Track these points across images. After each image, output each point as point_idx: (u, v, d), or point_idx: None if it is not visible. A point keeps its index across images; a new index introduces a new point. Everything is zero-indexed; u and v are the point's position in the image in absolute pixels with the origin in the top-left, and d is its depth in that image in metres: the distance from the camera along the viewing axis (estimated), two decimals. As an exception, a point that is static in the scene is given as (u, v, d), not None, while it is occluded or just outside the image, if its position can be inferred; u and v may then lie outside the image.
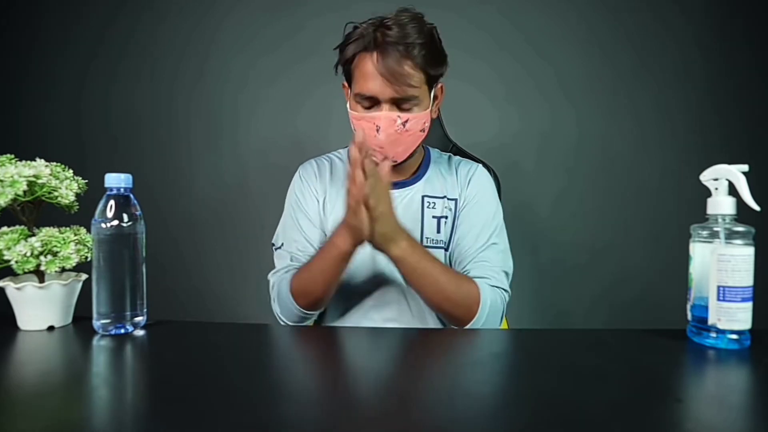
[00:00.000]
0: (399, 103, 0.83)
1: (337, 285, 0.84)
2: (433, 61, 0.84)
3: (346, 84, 0.92)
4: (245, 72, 1.74)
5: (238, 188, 1.77)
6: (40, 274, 0.67)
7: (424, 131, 0.88)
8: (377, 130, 0.84)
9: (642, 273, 1.67)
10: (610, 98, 1.66)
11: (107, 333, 0.64)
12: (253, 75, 1.74)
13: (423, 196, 0.93)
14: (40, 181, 0.66)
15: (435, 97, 0.90)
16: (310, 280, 0.83)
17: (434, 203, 0.92)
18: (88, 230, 0.68)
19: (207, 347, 0.62)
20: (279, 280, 0.88)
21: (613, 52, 1.65)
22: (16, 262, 0.64)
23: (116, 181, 0.64)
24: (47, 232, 0.67)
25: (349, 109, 0.89)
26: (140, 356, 0.58)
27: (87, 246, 0.69)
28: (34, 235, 0.67)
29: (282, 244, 0.93)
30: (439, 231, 0.91)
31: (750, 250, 0.57)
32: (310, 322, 0.92)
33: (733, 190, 0.60)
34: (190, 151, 1.78)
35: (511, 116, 1.68)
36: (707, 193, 0.61)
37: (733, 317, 0.57)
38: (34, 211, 0.69)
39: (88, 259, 0.68)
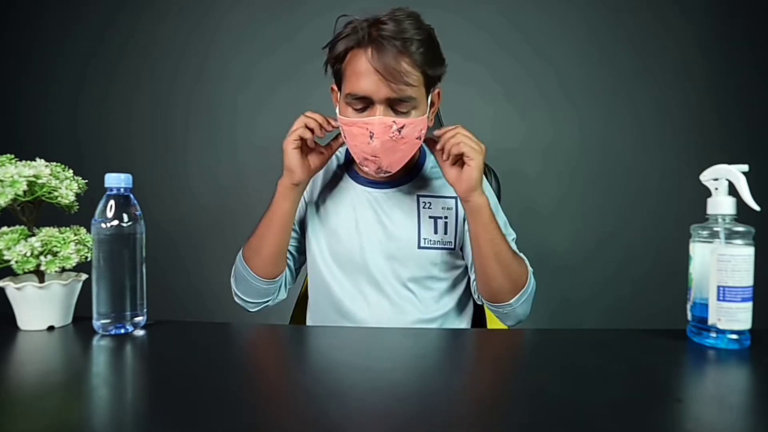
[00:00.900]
0: (394, 105, 0.77)
1: (284, 235, 0.86)
2: (432, 60, 0.79)
3: (335, 87, 0.86)
4: (245, 72, 1.74)
5: (238, 188, 1.77)
6: (40, 274, 0.67)
7: (420, 139, 0.82)
8: (371, 137, 0.77)
9: (642, 273, 1.67)
10: (610, 99, 1.66)
11: (107, 333, 0.64)
12: (252, 75, 1.74)
13: (418, 196, 0.91)
14: (40, 181, 0.66)
15: (432, 103, 0.84)
16: (256, 236, 0.86)
17: (430, 203, 0.90)
18: (88, 230, 0.68)
19: (207, 347, 0.62)
20: (240, 252, 0.90)
21: (613, 53, 1.65)
22: (16, 262, 0.64)
23: (116, 181, 0.64)
24: (47, 232, 0.67)
25: (338, 114, 0.83)
26: (140, 356, 0.58)
27: (87, 246, 0.69)
28: (34, 235, 0.67)
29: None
30: (436, 232, 0.89)
31: (750, 250, 0.57)
32: (271, 304, 0.92)
33: (733, 190, 0.60)
34: (190, 152, 1.78)
35: (511, 117, 1.68)
36: (707, 193, 0.61)
37: (733, 317, 0.57)
38: (34, 211, 0.69)
39: (88, 259, 0.68)
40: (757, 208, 0.58)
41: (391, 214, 0.90)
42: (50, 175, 0.67)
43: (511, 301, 0.82)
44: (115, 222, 0.63)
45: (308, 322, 1.01)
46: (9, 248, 0.64)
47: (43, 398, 0.45)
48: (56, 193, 0.68)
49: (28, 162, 0.67)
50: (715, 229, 0.59)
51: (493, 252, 0.80)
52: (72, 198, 0.69)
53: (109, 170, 0.65)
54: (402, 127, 0.77)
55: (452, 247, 0.90)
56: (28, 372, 0.53)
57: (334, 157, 0.98)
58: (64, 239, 0.67)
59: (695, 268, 0.61)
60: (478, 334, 0.83)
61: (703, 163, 0.64)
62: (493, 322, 1.04)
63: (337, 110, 0.85)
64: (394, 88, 0.75)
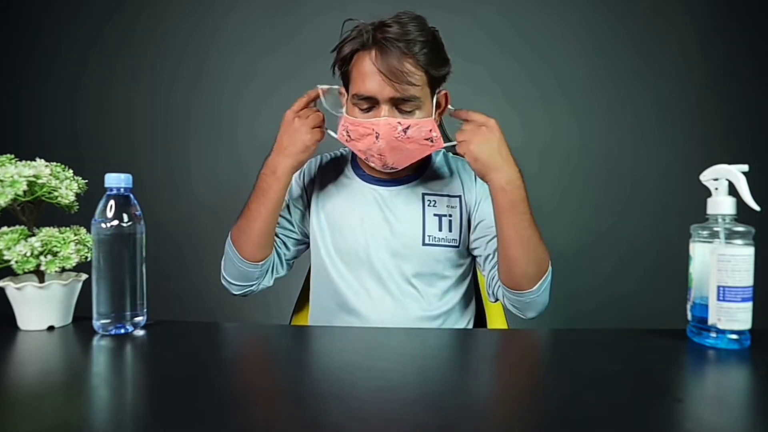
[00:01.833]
0: (399, 105, 0.79)
1: (272, 219, 0.86)
2: (436, 61, 0.80)
3: (343, 90, 0.88)
4: (245, 72, 1.74)
5: (239, 188, 1.76)
6: (40, 274, 0.67)
7: (431, 141, 0.82)
8: (376, 137, 0.80)
9: (642, 273, 1.67)
10: (610, 98, 1.66)
11: (107, 333, 0.64)
12: (253, 75, 1.74)
13: (423, 194, 0.92)
14: (40, 181, 0.66)
15: (438, 104, 0.85)
16: (245, 218, 0.86)
17: (435, 201, 0.92)
18: (88, 230, 0.68)
19: (207, 347, 0.62)
20: (227, 239, 0.91)
21: (613, 52, 1.65)
22: (16, 262, 0.64)
23: (116, 181, 0.64)
24: (47, 232, 0.67)
25: (344, 115, 0.84)
26: (140, 356, 0.58)
27: (87, 246, 0.69)
28: (34, 235, 0.67)
29: None
30: (441, 229, 0.90)
31: (750, 250, 0.57)
32: (256, 289, 0.92)
33: (733, 190, 0.60)
34: (191, 151, 1.78)
35: (511, 117, 1.68)
36: (707, 193, 0.61)
37: (733, 317, 0.57)
38: (34, 211, 0.69)
39: (88, 259, 0.68)
40: (757, 208, 0.58)
41: (396, 211, 0.91)
42: (50, 175, 0.67)
43: (534, 288, 0.80)
44: (115, 222, 0.63)
45: (310, 318, 1.01)
46: (9, 248, 0.64)
47: (43, 398, 0.45)
48: (56, 193, 0.68)
49: (28, 162, 0.67)
50: (715, 229, 0.59)
51: (517, 236, 0.78)
52: (72, 198, 0.69)
53: (109, 170, 0.65)
54: (407, 128, 0.79)
55: (457, 245, 0.91)
56: (28, 372, 0.53)
57: (342, 157, 1.00)
58: (64, 239, 0.67)
59: (695, 268, 0.61)
60: (478, 334, 0.83)
61: (703, 163, 0.64)
62: (493, 322, 1.04)
63: (344, 110, 0.86)
64: (397, 88, 0.77)
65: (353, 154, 0.99)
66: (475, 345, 0.68)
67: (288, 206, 0.96)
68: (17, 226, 0.68)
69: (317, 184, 0.96)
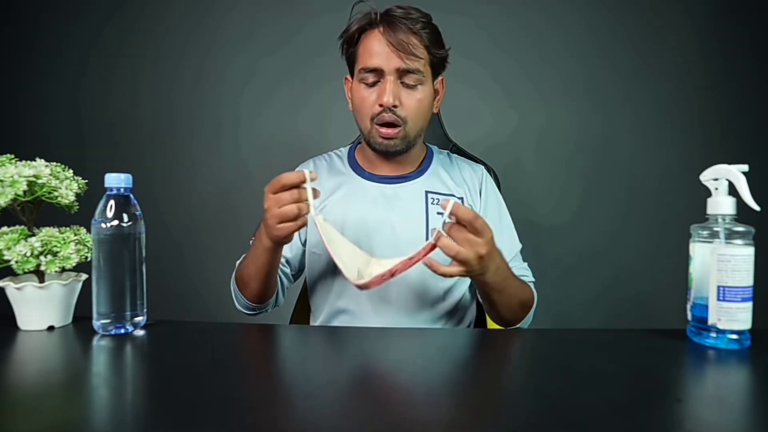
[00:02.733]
0: (403, 77, 0.84)
1: (269, 277, 0.83)
2: (436, 42, 0.86)
3: (349, 77, 0.93)
4: (246, 72, 1.74)
5: (239, 188, 1.77)
6: (40, 274, 0.67)
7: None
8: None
9: (642, 273, 1.67)
10: (610, 98, 1.66)
11: (107, 333, 0.64)
12: (254, 75, 1.74)
13: (426, 192, 0.92)
14: (40, 181, 0.66)
15: (436, 91, 0.90)
16: (245, 270, 0.84)
17: (438, 199, 0.92)
18: (88, 230, 0.68)
19: (207, 347, 0.62)
20: (236, 268, 0.90)
21: (613, 52, 1.65)
22: (16, 262, 0.64)
23: (116, 181, 0.64)
24: (47, 232, 0.67)
25: (352, 91, 0.89)
26: (140, 356, 0.58)
27: (87, 246, 0.69)
28: (34, 235, 0.67)
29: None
30: (444, 227, 0.90)
31: (750, 250, 0.57)
32: (270, 309, 0.93)
33: (733, 190, 0.60)
34: (191, 151, 1.78)
35: (510, 116, 1.68)
36: (707, 193, 0.61)
37: (733, 317, 0.57)
38: (34, 211, 0.69)
39: (88, 259, 0.68)
40: (757, 208, 0.58)
41: (399, 208, 0.91)
42: (50, 175, 0.67)
43: (519, 324, 0.85)
44: (115, 222, 0.63)
45: (311, 319, 1.01)
46: (9, 248, 0.64)
47: (43, 398, 0.45)
48: (56, 193, 0.68)
49: (28, 162, 0.67)
50: (715, 229, 0.59)
51: (506, 303, 0.80)
52: (72, 198, 0.69)
53: (109, 170, 0.65)
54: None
55: None
56: (28, 372, 0.53)
57: (337, 158, 1.00)
58: (64, 239, 0.67)
59: (695, 268, 0.61)
60: (478, 334, 0.83)
61: (704, 163, 0.64)
62: (493, 322, 1.04)
63: (348, 96, 0.92)
64: (404, 59, 0.82)
65: (350, 153, 1.00)
66: (475, 345, 0.67)
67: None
68: (17, 226, 0.68)
69: (323, 189, 0.95)
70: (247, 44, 1.73)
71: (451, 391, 0.48)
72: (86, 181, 0.73)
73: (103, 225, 0.63)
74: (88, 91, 1.78)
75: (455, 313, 0.93)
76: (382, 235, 0.89)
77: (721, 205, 0.60)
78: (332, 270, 0.91)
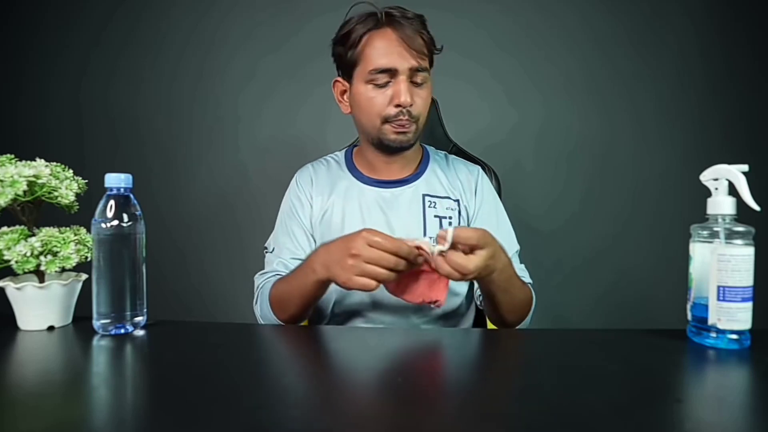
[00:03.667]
0: (413, 77, 0.84)
1: (313, 305, 0.80)
2: (433, 41, 0.87)
3: (341, 79, 0.91)
4: (246, 72, 1.74)
5: (238, 188, 1.77)
6: (40, 274, 0.67)
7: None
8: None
9: (642, 273, 1.67)
10: (610, 98, 1.66)
11: (107, 333, 0.64)
12: (253, 75, 1.74)
13: (424, 195, 0.92)
14: (40, 181, 0.66)
15: None
16: (286, 294, 0.80)
17: (435, 202, 0.92)
18: (88, 230, 0.68)
19: (207, 347, 0.62)
20: (263, 284, 0.87)
21: (613, 52, 1.65)
22: (16, 262, 0.64)
23: (116, 181, 0.64)
24: (47, 232, 0.67)
25: (355, 93, 0.87)
26: (140, 356, 0.58)
27: (87, 246, 0.69)
28: (34, 235, 0.67)
29: (273, 249, 0.93)
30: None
31: (750, 250, 0.57)
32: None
33: (733, 190, 0.60)
34: (191, 151, 1.78)
35: (511, 116, 1.68)
36: (707, 193, 0.61)
37: (733, 317, 0.57)
38: (34, 211, 0.69)
39: (88, 259, 0.68)
40: (757, 208, 0.58)
41: (397, 212, 0.91)
42: (50, 175, 0.67)
43: (519, 325, 0.84)
44: (115, 222, 0.63)
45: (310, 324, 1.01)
46: (9, 248, 0.64)
47: (43, 398, 0.45)
48: (56, 193, 0.68)
49: (28, 162, 0.67)
50: (715, 229, 0.59)
51: (509, 303, 0.79)
52: (72, 198, 0.69)
53: (109, 170, 0.65)
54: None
55: (452, 247, 0.90)
56: (28, 372, 0.53)
57: (334, 162, 1.00)
58: (64, 239, 0.67)
59: (695, 268, 0.61)
60: (478, 334, 0.83)
61: (704, 163, 0.64)
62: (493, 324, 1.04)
63: (345, 97, 0.91)
64: (416, 57, 0.83)
65: (347, 157, 1.00)
66: (475, 345, 0.67)
67: (303, 230, 0.93)
68: (17, 226, 0.68)
69: (322, 194, 0.95)
70: (247, 44, 1.73)
71: (451, 391, 0.48)
72: (86, 181, 0.73)
73: (103, 225, 0.63)
74: (88, 92, 1.78)
75: (451, 319, 0.93)
76: (382, 229, 0.89)
77: (721, 205, 0.60)
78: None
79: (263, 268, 0.94)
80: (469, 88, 1.63)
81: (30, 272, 0.66)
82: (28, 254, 0.64)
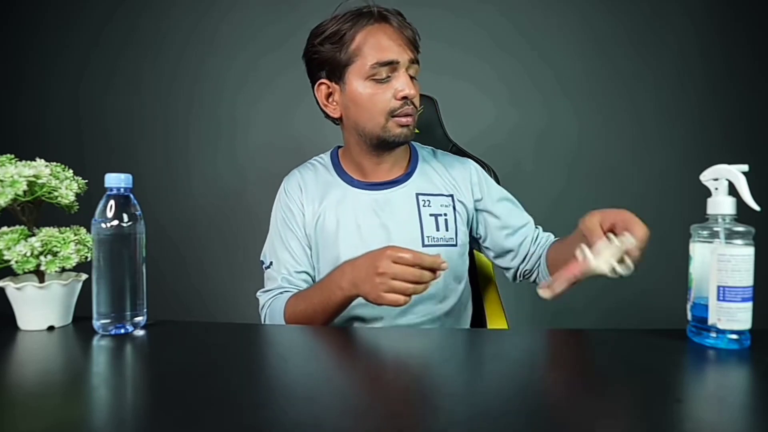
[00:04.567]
0: (409, 69, 0.85)
1: (331, 321, 0.80)
2: (418, 36, 0.88)
3: (327, 81, 0.88)
4: (244, 73, 1.74)
5: (238, 187, 1.77)
6: (40, 274, 0.67)
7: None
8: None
9: (642, 273, 1.66)
10: (610, 98, 1.66)
11: (107, 333, 0.64)
12: (252, 76, 1.74)
13: (417, 194, 0.91)
14: (40, 181, 0.66)
15: None
16: (309, 311, 0.79)
17: (429, 200, 0.91)
18: (88, 230, 0.68)
19: (207, 347, 0.62)
20: (271, 305, 0.86)
21: (613, 52, 1.65)
22: (16, 262, 0.64)
23: (116, 181, 0.64)
24: (47, 232, 0.67)
25: (352, 92, 0.85)
26: (140, 356, 0.58)
27: (87, 246, 0.69)
28: (34, 235, 0.67)
29: (271, 263, 0.91)
30: (438, 229, 0.90)
31: (750, 250, 0.57)
32: None
33: (733, 190, 0.60)
34: (190, 152, 1.78)
35: (511, 116, 1.68)
36: (707, 193, 0.61)
37: (733, 317, 0.57)
38: (34, 211, 0.69)
39: (88, 259, 0.68)
40: (757, 208, 0.58)
41: (392, 214, 0.90)
42: (50, 175, 0.67)
43: None
44: (115, 222, 0.63)
45: None
46: (9, 248, 0.64)
47: (43, 398, 0.45)
48: (56, 193, 0.68)
49: (28, 162, 0.67)
50: (715, 229, 0.59)
51: None
52: (72, 198, 0.69)
53: (109, 170, 0.65)
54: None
55: (454, 243, 0.91)
56: (28, 372, 0.53)
57: (321, 166, 0.97)
58: (64, 239, 0.67)
59: (695, 268, 0.61)
60: (478, 334, 0.83)
61: (704, 163, 0.64)
62: (493, 322, 1.04)
63: (325, 107, 0.91)
64: (412, 51, 0.85)
65: (333, 160, 0.97)
66: (475, 345, 0.67)
67: (299, 240, 0.92)
68: (17, 226, 0.68)
69: (313, 200, 0.92)
70: (246, 45, 1.73)
71: (450, 391, 0.48)
72: (86, 181, 0.73)
73: (103, 225, 0.63)
74: (88, 92, 1.78)
75: (451, 313, 0.92)
76: (377, 242, 0.86)
77: (721, 205, 0.60)
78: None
79: (262, 279, 0.92)
80: (470, 87, 1.63)
81: (30, 272, 0.66)
82: (28, 254, 0.64)
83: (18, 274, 0.66)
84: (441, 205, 0.91)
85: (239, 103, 1.75)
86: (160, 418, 0.41)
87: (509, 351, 0.64)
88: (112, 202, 0.64)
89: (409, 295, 0.68)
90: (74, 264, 0.67)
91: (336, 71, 0.86)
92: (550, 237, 0.96)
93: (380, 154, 0.91)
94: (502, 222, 0.94)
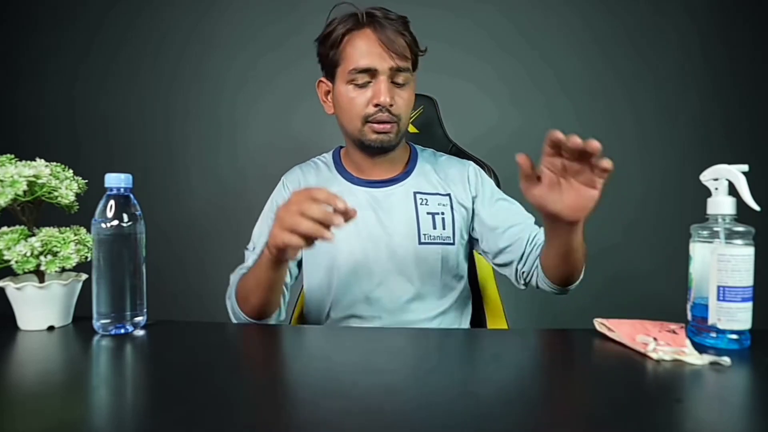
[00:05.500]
0: (394, 77, 0.84)
1: (271, 292, 0.76)
2: (416, 43, 0.87)
3: (324, 79, 0.91)
4: (244, 72, 1.74)
5: (237, 188, 1.77)
6: (40, 274, 0.68)
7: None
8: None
9: (642, 273, 1.67)
10: (610, 98, 1.66)
11: (107, 333, 0.64)
12: (251, 75, 1.74)
13: (415, 193, 0.92)
14: (40, 181, 0.66)
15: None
16: (248, 283, 0.78)
17: (426, 199, 0.92)
18: (88, 230, 0.68)
19: (207, 347, 0.62)
20: (234, 281, 0.85)
21: (613, 52, 1.65)
22: (16, 262, 0.64)
23: (116, 181, 0.64)
24: (47, 232, 0.67)
25: (337, 94, 0.87)
26: (140, 356, 0.58)
27: (87, 246, 0.69)
28: (34, 235, 0.67)
29: (254, 248, 0.91)
30: (435, 227, 0.90)
31: (750, 250, 0.57)
32: (272, 321, 0.85)
33: (733, 190, 0.60)
34: (190, 151, 1.78)
35: (511, 116, 1.68)
36: (707, 193, 0.61)
37: (733, 317, 0.57)
38: (34, 211, 0.69)
39: (88, 259, 0.68)
40: (757, 208, 0.58)
41: (390, 212, 0.91)
42: (50, 175, 0.67)
43: (581, 276, 0.82)
44: (115, 222, 0.63)
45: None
46: (9, 248, 0.64)
47: (43, 398, 0.45)
48: (56, 193, 0.68)
49: (28, 162, 0.67)
50: (715, 229, 0.59)
51: (580, 259, 0.76)
52: (72, 198, 0.69)
53: (109, 170, 0.65)
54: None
55: (451, 242, 0.91)
56: (28, 372, 0.53)
57: (323, 164, 0.98)
58: (64, 239, 0.67)
59: (695, 268, 0.61)
60: (478, 334, 0.83)
61: (704, 163, 0.64)
62: (493, 322, 1.04)
63: (328, 98, 0.91)
64: (395, 58, 0.83)
65: (335, 159, 0.98)
66: (475, 345, 0.67)
67: None
68: (17, 226, 0.68)
69: None
70: (245, 45, 1.73)
71: (450, 391, 0.48)
72: (86, 181, 0.73)
73: (103, 225, 0.63)
74: (88, 91, 1.78)
75: (450, 312, 0.93)
76: (373, 238, 0.89)
77: (721, 205, 0.60)
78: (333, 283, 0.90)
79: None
80: (470, 87, 1.63)
81: (30, 272, 0.66)
82: (28, 254, 0.64)
83: (18, 274, 0.66)
84: (438, 204, 0.92)
85: (239, 103, 1.75)
86: (160, 418, 0.41)
87: (509, 351, 0.64)
88: (112, 202, 0.64)
89: (306, 238, 0.62)
90: (74, 264, 0.67)
91: (329, 71, 0.89)
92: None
93: (372, 155, 0.91)
94: (496, 220, 0.92)
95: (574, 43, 1.65)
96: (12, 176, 0.64)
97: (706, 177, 0.62)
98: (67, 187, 0.69)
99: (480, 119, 1.67)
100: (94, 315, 0.64)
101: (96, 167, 0.79)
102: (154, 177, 1.75)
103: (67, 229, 0.71)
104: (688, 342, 0.58)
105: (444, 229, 0.91)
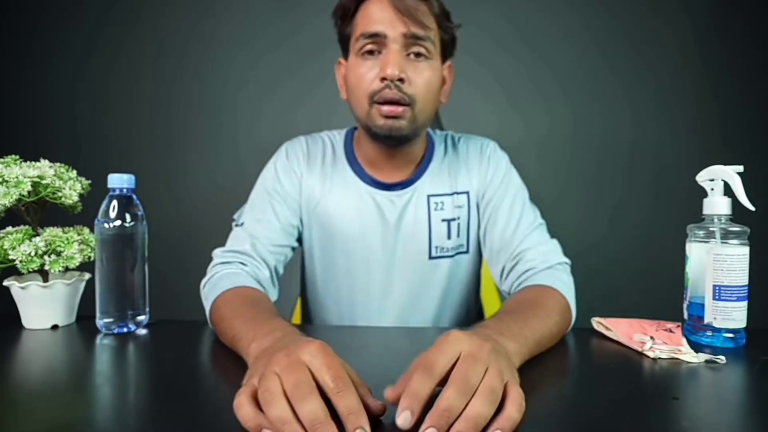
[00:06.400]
0: (410, 47, 0.70)
1: None
2: (447, 15, 0.75)
3: (342, 60, 0.79)
4: (246, 72, 1.74)
5: (239, 188, 1.77)
6: (44, 274, 0.68)
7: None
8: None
9: (639, 272, 1.67)
10: (609, 98, 1.66)
11: (110, 332, 0.65)
12: (252, 75, 1.74)
13: (429, 196, 0.81)
14: (44, 182, 0.67)
15: (443, 79, 0.79)
16: (225, 326, 0.60)
17: (442, 203, 0.81)
18: (92, 230, 0.69)
19: (209, 346, 0.63)
20: (219, 276, 0.73)
21: (611, 51, 1.65)
22: (21, 261, 0.65)
23: (119, 181, 0.65)
24: (51, 232, 0.68)
25: (347, 71, 0.76)
26: (143, 355, 0.59)
27: (90, 246, 0.70)
28: (38, 234, 0.68)
29: (243, 223, 0.80)
30: (450, 236, 0.82)
31: (745, 250, 0.58)
32: None
33: (728, 191, 0.60)
34: (192, 151, 1.79)
35: (510, 116, 1.68)
36: (703, 193, 0.62)
37: (729, 316, 0.58)
38: (38, 211, 0.70)
39: (91, 258, 0.69)
40: (752, 208, 0.58)
41: (400, 221, 0.81)
42: (54, 175, 0.68)
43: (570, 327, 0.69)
44: (118, 222, 0.64)
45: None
46: (14, 248, 0.65)
47: (46, 396, 0.45)
48: (60, 194, 0.68)
49: (33, 163, 0.68)
50: (711, 229, 0.60)
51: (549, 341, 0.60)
52: (75, 198, 0.70)
53: (112, 171, 0.66)
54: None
55: (465, 250, 0.84)
56: (32, 370, 0.54)
57: (331, 144, 0.87)
58: (67, 239, 0.68)
59: (691, 268, 0.62)
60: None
61: (702, 163, 0.64)
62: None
63: (341, 88, 0.80)
64: (409, 23, 0.69)
65: (346, 142, 0.86)
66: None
67: (287, 207, 0.82)
68: (22, 226, 0.69)
69: (316, 176, 0.83)
70: (247, 44, 1.73)
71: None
72: (89, 181, 0.73)
73: (106, 225, 0.64)
74: (90, 92, 1.79)
75: (457, 321, 0.87)
76: (380, 251, 0.82)
77: (716, 205, 0.60)
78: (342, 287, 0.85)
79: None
80: (469, 88, 1.64)
81: (34, 271, 0.67)
82: (32, 254, 0.65)
83: (22, 274, 0.67)
84: (455, 207, 0.82)
85: (240, 103, 1.76)
86: (162, 416, 0.42)
87: (508, 350, 0.64)
88: (114, 203, 0.65)
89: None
90: (77, 263, 0.68)
91: (345, 48, 0.78)
92: (527, 281, 0.74)
93: (383, 147, 0.78)
94: (498, 235, 0.81)
95: (573, 43, 1.66)
96: (17, 177, 0.65)
97: (702, 178, 0.63)
98: (70, 187, 0.69)
99: (479, 120, 1.67)
100: (97, 314, 0.64)
101: (99, 168, 0.79)
102: (156, 177, 1.76)
103: (71, 229, 0.71)
104: (684, 341, 0.59)
105: (458, 236, 0.82)
